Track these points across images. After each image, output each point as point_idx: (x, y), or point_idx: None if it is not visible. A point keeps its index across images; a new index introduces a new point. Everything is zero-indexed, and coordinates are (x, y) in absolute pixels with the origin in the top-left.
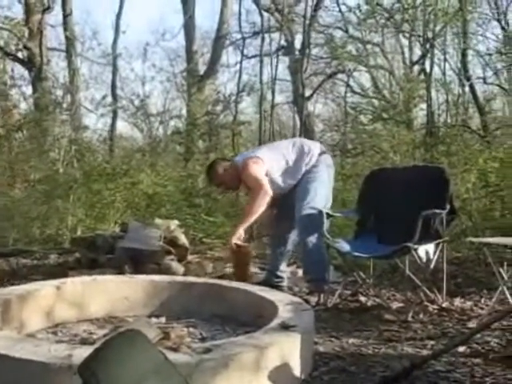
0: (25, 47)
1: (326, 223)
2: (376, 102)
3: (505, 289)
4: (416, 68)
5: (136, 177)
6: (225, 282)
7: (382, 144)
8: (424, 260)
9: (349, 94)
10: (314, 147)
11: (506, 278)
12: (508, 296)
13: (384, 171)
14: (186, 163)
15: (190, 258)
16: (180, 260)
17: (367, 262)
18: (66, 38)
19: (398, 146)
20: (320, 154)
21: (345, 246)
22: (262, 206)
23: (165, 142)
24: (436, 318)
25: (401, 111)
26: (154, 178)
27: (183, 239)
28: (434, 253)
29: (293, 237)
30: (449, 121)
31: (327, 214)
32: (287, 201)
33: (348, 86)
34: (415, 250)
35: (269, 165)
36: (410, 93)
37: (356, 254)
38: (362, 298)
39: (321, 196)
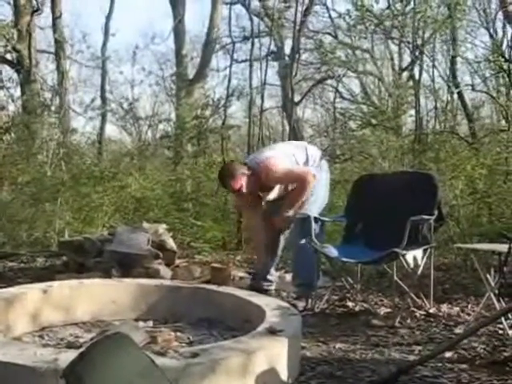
0: (14, 49)
1: (317, 228)
2: (365, 107)
3: (492, 295)
4: (405, 74)
5: (124, 180)
6: (212, 287)
7: (371, 150)
8: (412, 266)
9: (338, 100)
10: (316, 151)
11: (492, 284)
12: (495, 302)
13: (373, 177)
14: (175, 167)
15: (177, 262)
16: (168, 264)
17: (355, 267)
18: (56, 40)
19: (387, 152)
20: (320, 159)
21: (333, 252)
22: (308, 191)
23: (153, 145)
24: (423, 323)
25: (389, 117)
26: (143, 181)
27: (171, 243)
28: (422, 259)
29: (282, 241)
30: (437, 127)
31: (315, 218)
32: (280, 204)
33: (337, 91)
34: (403, 255)
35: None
36: (399, 99)
37: (344, 259)
38: (350, 303)
39: (320, 200)
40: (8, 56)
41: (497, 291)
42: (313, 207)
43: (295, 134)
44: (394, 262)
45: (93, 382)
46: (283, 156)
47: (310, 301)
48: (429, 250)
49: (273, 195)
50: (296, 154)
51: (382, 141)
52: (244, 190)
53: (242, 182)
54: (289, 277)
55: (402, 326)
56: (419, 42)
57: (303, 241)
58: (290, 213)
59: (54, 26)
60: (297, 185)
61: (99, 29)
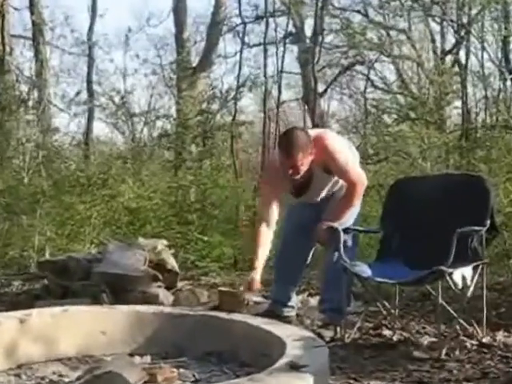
0: None
1: (348, 240)
2: (402, 98)
3: None
4: (449, 58)
5: (116, 188)
6: (222, 314)
7: (410, 148)
8: (460, 286)
9: (369, 90)
10: (355, 150)
11: None
12: None
13: (412, 181)
14: (176, 172)
15: (180, 284)
16: (169, 287)
17: (392, 288)
18: (33, 23)
19: (429, 151)
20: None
21: (366, 270)
22: (360, 196)
23: (150, 146)
24: (475, 355)
25: (431, 110)
26: (138, 189)
27: (172, 262)
28: (472, 278)
29: (309, 260)
30: (488, 121)
31: (346, 229)
32: (310, 213)
33: (368, 79)
34: (449, 274)
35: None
36: (442, 88)
37: (379, 279)
38: (387, 332)
39: (355, 210)
40: None
41: None
42: (349, 217)
43: None
44: (439, 282)
45: None
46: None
47: (339, 329)
48: (480, 267)
49: (319, 193)
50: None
51: (422, 138)
52: (301, 172)
53: (306, 161)
54: (313, 301)
55: (449, 358)
56: (465, 20)
57: (331, 257)
58: (336, 224)
59: (32, 7)
60: (348, 188)
61: (85, 9)
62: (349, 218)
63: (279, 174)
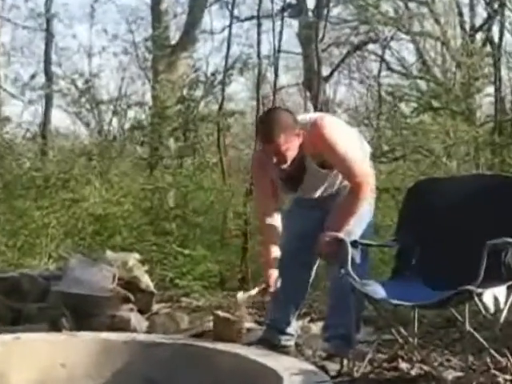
0: None
1: (356, 255)
2: (423, 84)
3: None
4: (479, 36)
5: (79, 191)
6: (207, 343)
7: (432, 144)
8: (492, 310)
9: (384, 73)
10: (367, 144)
11: None
12: None
13: (434, 183)
14: (151, 171)
15: (156, 307)
16: (142, 311)
17: (410, 313)
18: None
19: (455, 147)
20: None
21: (378, 291)
22: (366, 199)
23: (121, 140)
24: None
25: (458, 98)
26: (106, 192)
27: (147, 281)
28: (506, 300)
29: (312, 277)
30: None
31: (354, 242)
32: (313, 220)
33: (383, 61)
34: (479, 295)
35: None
36: (472, 71)
37: (394, 301)
38: (404, 365)
39: (360, 216)
40: None
41: None
42: (357, 228)
43: None
44: (467, 305)
45: None
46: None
47: (346, 362)
48: None
49: (315, 190)
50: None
51: (447, 131)
52: (288, 159)
53: (291, 145)
54: (316, 327)
55: None
56: None
57: (337, 274)
58: (341, 234)
59: None
60: (351, 190)
61: None
62: (356, 227)
63: (267, 166)
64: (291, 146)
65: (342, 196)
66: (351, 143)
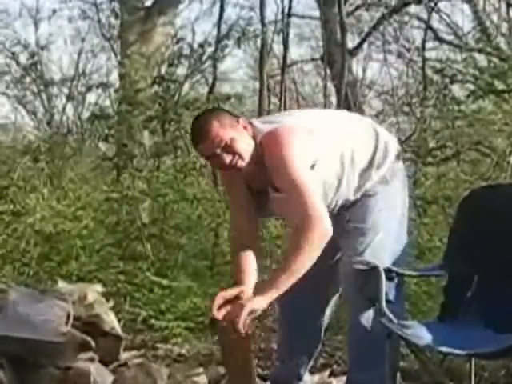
0: None
1: (391, 289)
2: (482, 58)
3: None
4: None
5: (21, 201)
6: None
7: (495, 139)
8: None
9: (430, 45)
10: (391, 142)
11: None
12: None
13: (497, 191)
14: (119, 176)
15: (125, 356)
16: (106, 361)
17: (465, 364)
18: None
19: None
20: (396, 158)
21: (423, 335)
22: (316, 253)
23: (78, 134)
24: None
25: None
26: (57, 203)
27: (112, 321)
28: None
29: (327, 317)
30: None
31: (389, 271)
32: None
33: (429, 28)
34: None
35: (325, 156)
36: None
37: (444, 348)
38: None
39: (393, 236)
40: None
41: None
42: (383, 250)
43: (348, 110)
44: None
45: None
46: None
47: None
48: None
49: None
50: (356, 143)
51: None
52: (242, 150)
53: (238, 135)
54: (338, 383)
55: None
56: None
57: (364, 313)
58: (267, 298)
59: None
60: (297, 231)
61: None
62: (380, 252)
63: (237, 181)
64: (238, 136)
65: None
66: (311, 155)
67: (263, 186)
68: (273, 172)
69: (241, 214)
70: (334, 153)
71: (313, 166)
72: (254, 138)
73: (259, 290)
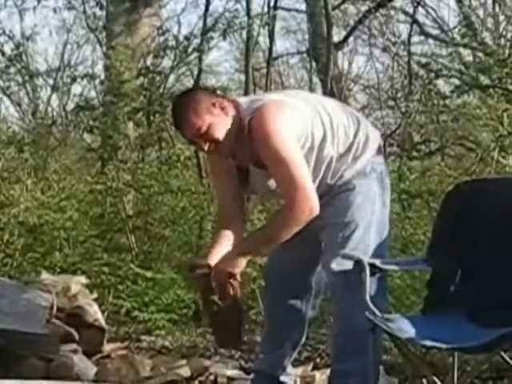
0: None
1: (373, 283)
2: (468, 53)
3: None
4: None
5: (5, 192)
6: None
7: (479, 134)
8: None
9: (416, 39)
10: (373, 136)
11: None
12: None
13: (482, 186)
14: (103, 167)
15: (108, 348)
16: (90, 352)
17: (449, 358)
18: None
19: (510, 138)
20: (377, 152)
21: (406, 328)
22: (296, 227)
23: (63, 125)
24: None
25: None
26: (42, 194)
27: (96, 313)
28: None
29: (310, 310)
30: None
31: (372, 266)
32: (305, 226)
33: (415, 22)
34: None
35: (311, 130)
36: None
37: (427, 342)
38: None
39: (376, 228)
40: None
41: None
42: (364, 244)
43: None
44: None
45: None
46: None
47: None
48: None
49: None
50: (344, 121)
51: (499, 117)
52: (219, 136)
53: (217, 121)
54: (322, 376)
55: None
56: None
57: (349, 306)
58: (232, 258)
59: None
60: (285, 206)
61: None
62: (362, 245)
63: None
64: (214, 121)
65: (339, 202)
66: (299, 130)
67: (249, 163)
68: (261, 147)
69: (225, 192)
70: (318, 125)
71: (300, 140)
72: (239, 116)
73: (233, 247)
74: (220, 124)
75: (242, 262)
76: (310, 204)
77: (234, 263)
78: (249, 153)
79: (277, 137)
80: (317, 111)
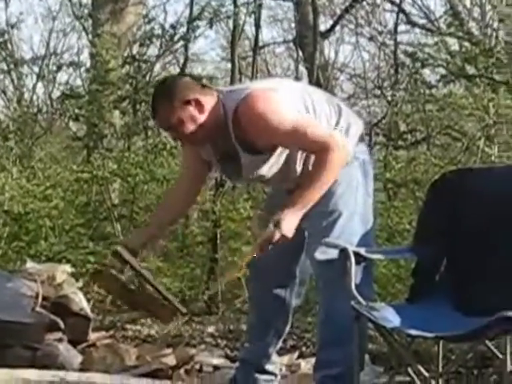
0: None
1: (359, 272)
2: (454, 43)
3: None
4: None
5: None
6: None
7: (465, 123)
8: None
9: (402, 28)
10: (355, 126)
11: None
12: None
13: (468, 175)
14: (89, 156)
15: (93, 337)
16: (75, 341)
17: (434, 347)
18: None
19: (496, 128)
20: (360, 141)
21: (391, 318)
22: (340, 165)
23: (48, 114)
24: None
25: (501, 62)
26: (27, 183)
27: (81, 301)
28: None
29: (295, 298)
30: None
31: (357, 254)
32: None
33: (401, 11)
34: None
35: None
36: None
37: (412, 331)
38: None
39: (359, 217)
40: None
41: None
42: (348, 232)
43: None
44: (508, 338)
45: None
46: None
47: None
48: None
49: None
50: (326, 110)
51: (485, 106)
52: (187, 131)
53: (182, 117)
54: (307, 365)
55: None
56: None
57: (337, 297)
58: (296, 214)
59: None
60: (317, 156)
61: None
62: (346, 234)
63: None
64: (188, 118)
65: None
66: (293, 107)
67: (239, 150)
68: (261, 132)
69: (185, 174)
70: (301, 111)
71: None
72: (219, 108)
73: (287, 207)
74: (190, 120)
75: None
76: (343, 141)
77: (297, 220)
78: (238, 141)
79: (274, 116)
80: (300, 99)
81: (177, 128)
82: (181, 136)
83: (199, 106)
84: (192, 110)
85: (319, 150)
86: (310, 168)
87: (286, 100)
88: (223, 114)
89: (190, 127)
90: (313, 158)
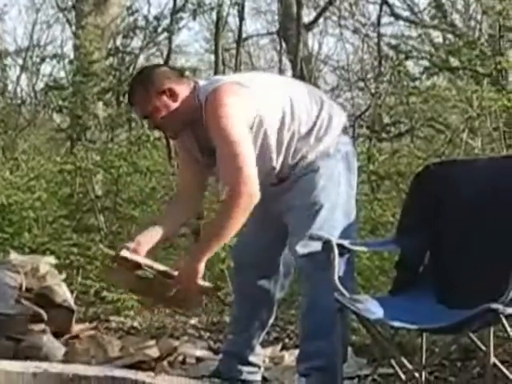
0: None
1: (342, 263)
2: (437, 35)
3: None
4: None
5: None
6: (143, 375)
7: (448, 116)
8: None
9: (386, 20)
10: (337, 115)
11: None
12: None
13: (451, 167)
14: (72, 147)
15: (77, 328)
16: (58, 333)
17: (417, 339)
18: None
19: (479, 120)
20: (342, 132)
21: (374, 309)
22: (242, 215)
23: (32, 105)
24: None
25: (484, 54)
26: (10, 174)
27: (64, 293)
28: None
29: (279, 290)
30: None
31: (341, 246)
32: (271, 209)
33: (385, 4)
34: (507, 316)
35: (267, 111)
36: (503, 20)
37: (395, 323)
38: None
39: (342, 209)
40: None
41: None
42: (331, 224)
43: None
44: (491, 330)
45: None
46: (272, 97)
47: None
48: None
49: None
50: (298, 101)
51: (468, 98)
52: (161, 120)
53: (156, 106)
54: (290, 357)
55: None
56: None
57: (320, 290)
58: (194, 266)
59: None
60: (224, 200)
61: None
62: (328, 226)
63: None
64: (162, 107)
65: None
66: (246, 116)
67: (212, 145)
68: (211, 128)
69: (184, 169)
70: (276, 104)
71: (253, 123)
72: (193, 98)
73: (191, 254)
74: (164, 108)
75: (202, 267)
76: (249, 189)
77: (195, 272)
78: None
79: (226, 120)
80: (277, 92)
81: (152, 115)
82: (157, 123)
83: (173, 94)
84: (166, 99)
85: (228, 190)
86: (290, 161)
87: (247, 104)
88: (199, 105)
89: (164, 115)
90: (293, 149)
